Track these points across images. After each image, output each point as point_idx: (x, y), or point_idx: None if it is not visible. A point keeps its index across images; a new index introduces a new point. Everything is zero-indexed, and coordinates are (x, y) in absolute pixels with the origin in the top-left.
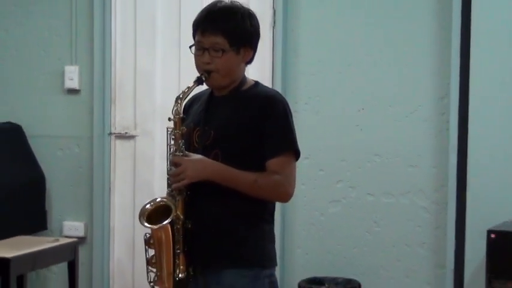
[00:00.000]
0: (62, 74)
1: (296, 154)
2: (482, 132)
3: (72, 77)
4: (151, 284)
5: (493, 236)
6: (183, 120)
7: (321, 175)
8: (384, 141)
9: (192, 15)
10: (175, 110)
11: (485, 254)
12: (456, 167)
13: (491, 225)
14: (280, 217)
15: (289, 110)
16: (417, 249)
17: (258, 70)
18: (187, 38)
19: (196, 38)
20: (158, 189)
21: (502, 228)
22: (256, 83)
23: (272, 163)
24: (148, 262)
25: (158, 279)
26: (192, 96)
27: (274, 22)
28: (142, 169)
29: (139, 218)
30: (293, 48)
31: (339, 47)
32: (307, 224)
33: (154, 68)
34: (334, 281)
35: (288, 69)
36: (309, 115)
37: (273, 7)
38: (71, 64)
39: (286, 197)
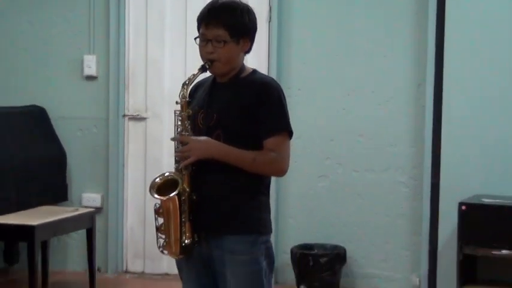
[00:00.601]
0: (81, 63)
1: (290, 134)
2: (454, 115)
3: (90, 65)
4: (161, 248)
5: (463, 207)
6: (188, 103)
7: (311, 153)
8: (368, 123)
9: (197, 10)
10: (181, 94)
11: (457, 224)
12: (431, 147)
13: (462, 198)
14: (275, 190)
15: (283, 95)
16: (396, 219)
17: (256, 59)
18: (193, 30)
19: (200, 31)
20: (166, 165)
21: (472, 201)
22: (254, 71)
23: (268, 142)
24: (158, 229)
25: (167, 244)
26: (197, 82)
27: (270, 17)
28: (152, 147)
29: (150, 190)
30: (287, 40)
31: (328, 39)
32: (299, 196)
33: (163, 57)
34: (323, 247)
35: (282, 59)
36: (301, 99)
37: (269, 4)
38: (89, 53)
39: (281, 172)
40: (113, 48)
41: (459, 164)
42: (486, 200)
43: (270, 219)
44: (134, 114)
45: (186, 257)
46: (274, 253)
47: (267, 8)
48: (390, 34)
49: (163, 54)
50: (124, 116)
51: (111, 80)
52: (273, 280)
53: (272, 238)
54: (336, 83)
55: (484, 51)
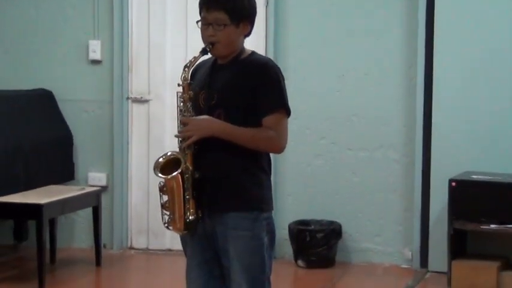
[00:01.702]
0: (87, 47)
1: (287, 112)
2: (444, 96)
3: (95, 49)
4: (166, 224)
5: (453, 184)
6: (190, 85)
7: (307, 133)
8: (361, 104)
9: None
10: (183, 77)
11: (447, 200)
12: (422, 126)
13: (452, 174)
14: (273, 169)
15: (281, 75)
16: (389, 195)
17: (253, 42)
18: (193, 15)
19: (202, 14)
20: (168, 145)
21: (462, 177)
22: (253, 52)
23: (267, 120)
24: (163, 206)
25: (171, 221)
26: (197, 64)
27: (267, 1)
28: (155, 128)
29: (154, 170)
30: (283, 24)
31: (322, 22)
32: (296, 174)
33: (165, 41)
34: (319, 223)
35: (278, 42)
36: (297, 81)
37: None
38: (94, 38)
39: (279, 149)
40: (116, 34)
41: (449, 142)
42: (475, 177)
43: (271, 197)
44: (137, 96)
45: (190, 232)
46: None
47: None
48: (382, 17)
49: (165, 39)
50: (128, 98)
51: (115, 64)
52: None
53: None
54: (331, 65)
55: (474, 32)
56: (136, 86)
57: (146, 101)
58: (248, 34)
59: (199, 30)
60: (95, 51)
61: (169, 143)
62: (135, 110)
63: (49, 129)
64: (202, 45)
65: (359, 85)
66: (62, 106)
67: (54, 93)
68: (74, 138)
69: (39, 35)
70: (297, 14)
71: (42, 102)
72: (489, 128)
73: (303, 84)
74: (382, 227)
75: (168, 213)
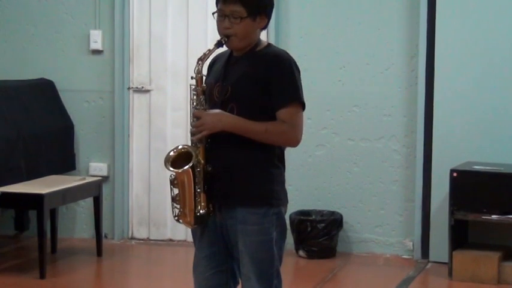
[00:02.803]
0: (88, 37)
1: (302, 105)
2: (445, 86)
3: (96, 39)
4: (176, 218)
5: (455, 174)
6: (203, 78)
7: (309, 123)
8: (362, 94)
9: None
10: (197, 70)
11: (449, 190)
12: (424, 116)
13: (453, 165)
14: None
15: (297, 67)
16: (390, 186)
17: None
18: (195, 5)
19: (218, 6)
20: (169, 136)
21: (463, 168)
22: (269, 44)
23: (281, 113)
24: (173, 199)
25: (181, 214)
26: (215, 56)
27: None
28: (156, 118)
29: (165, 164)
30: (285, 15)
31: (324, 13)
32: (297, 165)
33: (166, 32)
34: (320, 213)
35: (280, 33)
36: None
37: None
38: (95, 29)
39: (294, 143)
40: (117, 24)
41: (451, 133)
42: (477, 167)
43: (284, 190)
44: (139, 86)
45: (200, 226)
46: None
47: None
48: (384, 9)
49: (166, 29)
50: (129, 88)
51: (116, 54)
52: None
53: None
54: (332, 56)
55: (475, 22)
56: (138, 76)
57: (147, 91)
58: (265, 27)
59: (199, 21)
60: (96, 41)
61: (170, 133)
62: (136, 100)
63: (50, 119)
64: (202, 36)
65: (360, 76)
66: (63, 96)
67: (56, 83)
68: (75, 128)
69: (41, 25)
70: (299, 4)
71: (44, 92)
72: (490, 118)
73: (305, 75)
74: (383, 218)
75: (178, 206)
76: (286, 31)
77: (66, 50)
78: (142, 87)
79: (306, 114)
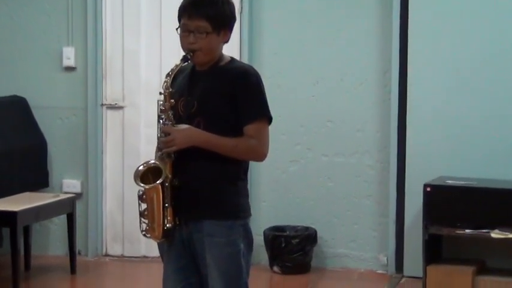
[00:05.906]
0: (60, 54)
1: (269, 120)
2: (418, 102)
3: (69, 56)
4: (143, 232)
5: (428, 189)
6: (171, 94)
7: (283, 139)
8: (336, 110)
9: (172, 3)
10: (165, 85)
11: (422, 205)
12: (397, 132)
13: (426, 180)
14: (248, 175)
15: (262, 82)
16: (364, 201)
17: (228, 50)
18: (168, 22)
19: (182, 21)
20: (143, 152)
21: (436, 183)
22: (232, 59)
23: (249, 129)
24: (141, 214)
25: (149, 228)
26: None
27: (242, 8)
28: (130, 135)
29: (135, 179)
30: (258, 31)
31: (297, 30)
32: (271, 180)
33: (139, 48)
34: (294, 229)
35: (253, 49)
36: (272, 88)
37: None
38: (68, 45)
39: (261, 157)
40: (90, 40)
41: (424, 148)
42: (450, 182)
43: (248, 203)
44: (112, 103)
45: (167, 240)
46: None
47: (238, 0)
48: (356, 24)
49: (140, 45)
50: (102, 105)
51: (89, 71)
52: None
53: None
54: (306, 71)
55: (447, 38)
56: (111, 92)
57: (121, 107)
58: (227, 41)
59: (173, 37)
60: (69, 58)
61: (144, 150)
62: (110, 116)
63: (23, 136)
64: (176, 52)
65: (334, 91)
66: (36, 113)
67: (28, 100)
68: (48, 145)
69: (13, 41)
70: (272, 21)
71: (16, 109)
72: (463, 133)
73: (278, 91)
74: (357, 233)
75: (146, 221)
76: (260, 48)
77: (39, 67)
78: (116, 104)
79: (279, 130)
